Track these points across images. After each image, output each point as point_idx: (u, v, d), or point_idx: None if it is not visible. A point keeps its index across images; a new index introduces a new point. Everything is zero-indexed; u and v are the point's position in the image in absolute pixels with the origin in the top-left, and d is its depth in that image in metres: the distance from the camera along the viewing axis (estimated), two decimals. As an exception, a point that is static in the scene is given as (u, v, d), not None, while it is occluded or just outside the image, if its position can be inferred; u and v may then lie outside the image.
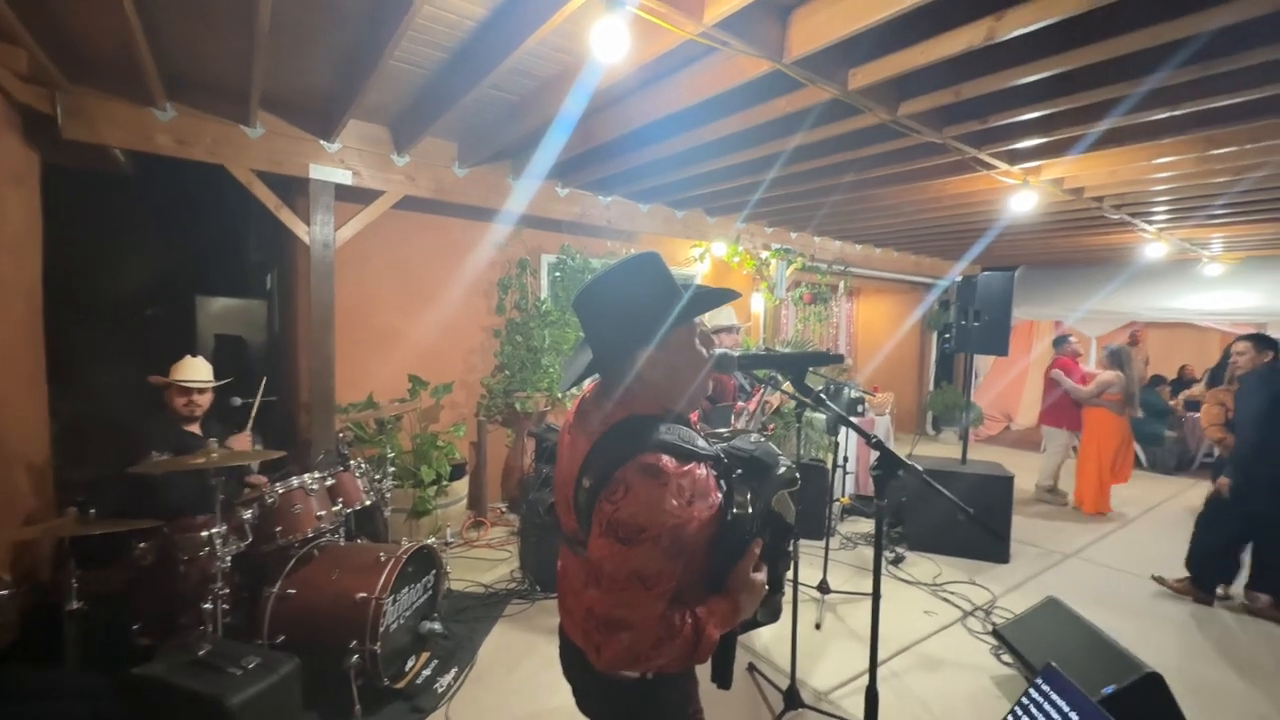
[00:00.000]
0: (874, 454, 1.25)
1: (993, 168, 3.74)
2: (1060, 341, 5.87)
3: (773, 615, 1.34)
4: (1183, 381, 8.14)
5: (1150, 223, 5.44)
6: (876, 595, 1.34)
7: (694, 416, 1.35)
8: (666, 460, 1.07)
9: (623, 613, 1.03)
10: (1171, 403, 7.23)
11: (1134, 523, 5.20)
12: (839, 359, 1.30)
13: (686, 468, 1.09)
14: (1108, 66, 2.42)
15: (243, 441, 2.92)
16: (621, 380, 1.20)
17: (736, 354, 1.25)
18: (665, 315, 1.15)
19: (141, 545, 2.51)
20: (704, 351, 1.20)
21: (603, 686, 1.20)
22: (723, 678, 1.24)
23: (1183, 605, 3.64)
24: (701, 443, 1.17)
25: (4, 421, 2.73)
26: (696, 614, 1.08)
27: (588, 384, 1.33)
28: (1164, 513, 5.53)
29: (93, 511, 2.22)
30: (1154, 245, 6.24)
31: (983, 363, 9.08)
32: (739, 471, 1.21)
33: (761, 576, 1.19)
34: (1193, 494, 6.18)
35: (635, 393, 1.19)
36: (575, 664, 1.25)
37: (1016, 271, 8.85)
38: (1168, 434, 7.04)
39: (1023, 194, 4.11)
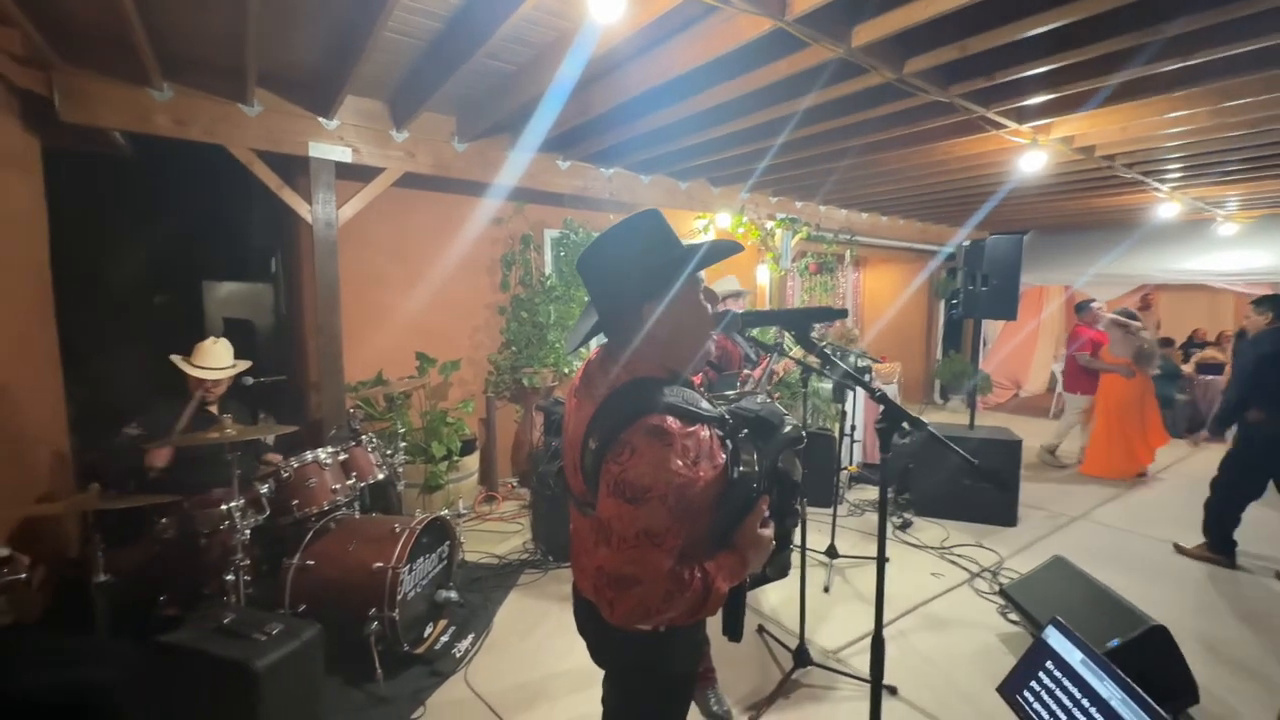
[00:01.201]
0: (879, 409, 1.26)
1: (1001, 127, 3.67)
2: (1083, 307, 5.82)
3: (781, 571, 1.36)
4: (1195, 344, 8.06)
5: (1163, 181, 5.33)
6: (882, 549, 1.36)
7: (697, 380, 1.36)
8: (671, 421, 1.08)
9: (632, 569, 1.06)
10: (1183, 366, 7.17)
11: (1144, 485, 5.21)
12: (843, 314, 1.30)
13: (691, 429, 1.11)
14: (1118, 15, 2.35)
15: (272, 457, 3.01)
16: (627, 340, 1.21)
17: (738, 313, 1.26)
18: (668, 270, 1.15)
19: (163, 520, 2.57)
20: (708, 307, 1.21)
21: (615, 639, 1.23)
22: (733, 630, 1.27)
23: (1195, 565, 3.66)
24: (705, 405, 1.18)
25: (21, 402, 2.78)
26: (705, 568, 1.10)
27: (593, 350, 1.34)
28: (1175, 475, 5.53)
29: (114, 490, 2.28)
30: (1167, 205, 6.12)
31: (991, 330, 9.01)
32: (745, 431, 1.22)
33: (769, 532, 1.21)
34: (1204, 456, 6.17)
35: (640, 354, 1.19)
36: (589, 619, 1.28)
37: (1026, 236, 8.73)
38: (1179, 397, 6.99)
39: (1031, 154, 4.03)
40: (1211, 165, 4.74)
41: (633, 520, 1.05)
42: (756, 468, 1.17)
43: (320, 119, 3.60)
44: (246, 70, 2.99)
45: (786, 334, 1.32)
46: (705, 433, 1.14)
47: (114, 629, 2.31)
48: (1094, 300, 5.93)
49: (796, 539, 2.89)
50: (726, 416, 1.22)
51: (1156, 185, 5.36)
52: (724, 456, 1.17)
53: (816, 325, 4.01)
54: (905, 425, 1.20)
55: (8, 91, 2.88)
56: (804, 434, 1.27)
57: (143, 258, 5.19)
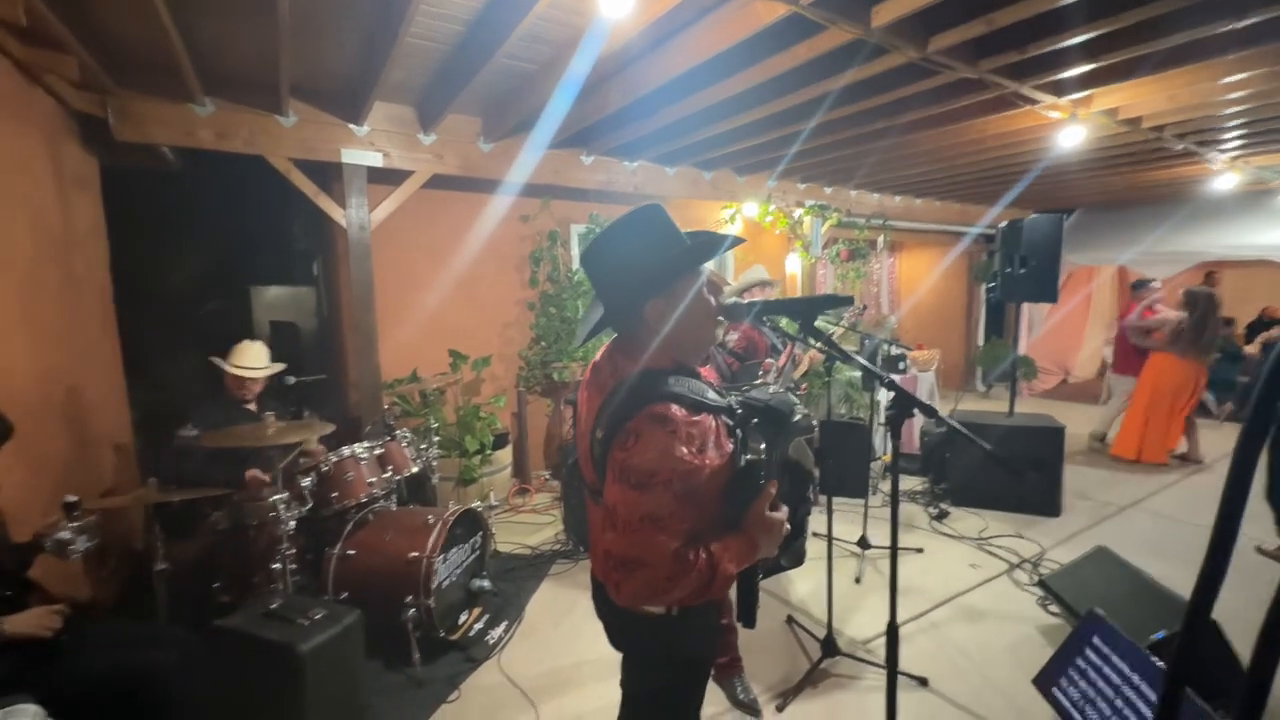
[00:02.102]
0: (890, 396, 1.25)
1: (1036, 102, 3.51)
2: (1139, 285, 5.55)
3: (796, 559, 1.37)
4: (1262, 323, 7.56)
5: (1221, 151, 5.00)
6: (894, 537, 1.35)
7: (711, 375, 1.37)
8: (675, 409, 1.10)
9: (637, 552, 1.08)
10: (1247, 347, 6.75)
11: (1201, 473, 4.95)
12: (849, 301, 1.29)
13: (696, 418, 1.12)
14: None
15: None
16: (633, 334, 1.23)
17: (745, 302, 1.26)
18: (670, 263, 1.17)
19: (215, 513, 2.74)
20: (711, 299, 1.22)
21: (629, 621, 1.27)
22: (747, 616, 1.28)
23: (1247, 553, 3.47)
24: (712, 395, 1.20)
25: (90, 404, 2.99)
26: (710, 549, 1.12)
27: (603, 348, 1.37)
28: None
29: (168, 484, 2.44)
30: (1225, 176, 5.75)
31: (1038, 314, 8.65)
32: (754, 421, 1.23)
33: (780, 515, 1.21)
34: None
35: (645, 345, 1.22)
36: (605, 602, 1.32)
37: (1071, 215, 8.33)
38: (1240, 379, 6.59)
39: (1071, 129, 3.85)
40: (1275, 131, 4.43)
41: (637, 505, 1.08)
42: (764, 456, 1.18)
43: (351, 126, 3.73)
44: (281, 83, 3.13)
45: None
46: (711, 421, 1.15)
47: (173, 614, 2.48)
48: (1153, 280, 5.61)
49: (821, 528, 2.88)
50: (735, 406, 1.23)
51: (1213, 155, 5.04)
52: (731, 445, 1.18)
53: (845, 312, 3.96)
54: (914, 412, 1.19)
55: (68, 116, 3.09)
56: (815, 424, 1.27)
57: (193, 266, 5.49)
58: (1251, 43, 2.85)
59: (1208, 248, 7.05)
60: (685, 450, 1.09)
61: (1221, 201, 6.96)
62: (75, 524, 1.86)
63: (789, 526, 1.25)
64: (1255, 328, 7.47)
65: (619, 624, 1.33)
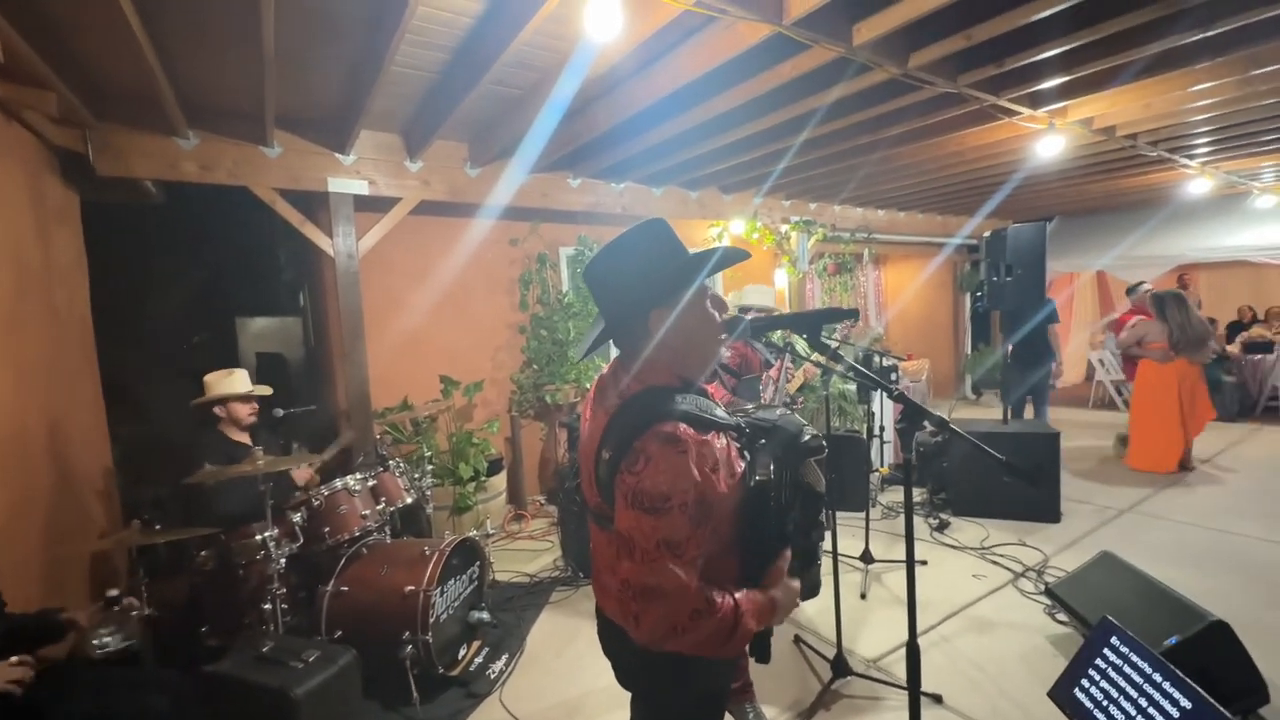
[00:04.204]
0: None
1: (1015, 114, 3.59)
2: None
3: (812, 590, 1.30)
4: (1241, 323, 7.72)
5: (1192, 157, 5.15)
6: (911, 553, 1.32)
7: (719, 393, 1.34)
8: (685, 429, 1.07)
9: (656, 580, 1.04)
10: (1228, 346, 6.87)
11: (1194, 473, 4.97)
12: (853, 314, 1.28)
13: (706, 436, 1.09)
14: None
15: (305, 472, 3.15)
16: (637, 350, 1.20)
17: (747, 317, 1.25)
18: (675, 278, 1.15)
19: (202, 553, 2.64)
20: (715, 315, 1.20)
21: (642, 661, 1.21)
22: (761, 653, 1.24)
23: (1251, 553, 3.47)
24: (720, 412, 1.17)
25: (70, 442, 2.90)
26: (737, 598, 1.09)
27: (606, 366, 1.34)
28: (1227, 460, 5.27)
29: (157, 526, 2.35)
30: (1198, 181, 5.91)
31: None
32: (762, 441, 1.20)
33: (796, 584, 1.21)
34: (1258, 439, 5.88)
35: (651, 363, 1.19)
36: (614, 640, 1.26)
37: (1052, 223, 8.50)
38: (1225, 379, 6.68)
39: (1049, 138, 3.94)
40: (1243, 137, 4.57)
41: (653, 531, 1.04)
42: (773, 477, 1.15)
43: (337, 154, 3.71)
44: (266, 114, 3.11)
45: (795, 336, 1.30)
46: (721, 441, 1.12)
47: (160, 660, 2.38)
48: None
49: (826, 545, 2.84)
50: (744, 425, 1.21)
51: (1185, 161, 5.17)
52: (742, 465, 1.15)
53: (836, 325, 3.97)
54: (927, 424, 1.17)
55: (48, 151, 3.04)
56: (825, 444, 1.24)
57: (177, 299, 5.41)
58: (1220, 51, 2.95)
59: (1184, 251, 7.21)
60: (697, 471, 1.05)
61: (1196, 205, 7.14)
62: (114, 625, 1.80)
63: (804, 557, 1.21)
64: (1235, 328, 7.62)
65: (632, 663, 1.27)
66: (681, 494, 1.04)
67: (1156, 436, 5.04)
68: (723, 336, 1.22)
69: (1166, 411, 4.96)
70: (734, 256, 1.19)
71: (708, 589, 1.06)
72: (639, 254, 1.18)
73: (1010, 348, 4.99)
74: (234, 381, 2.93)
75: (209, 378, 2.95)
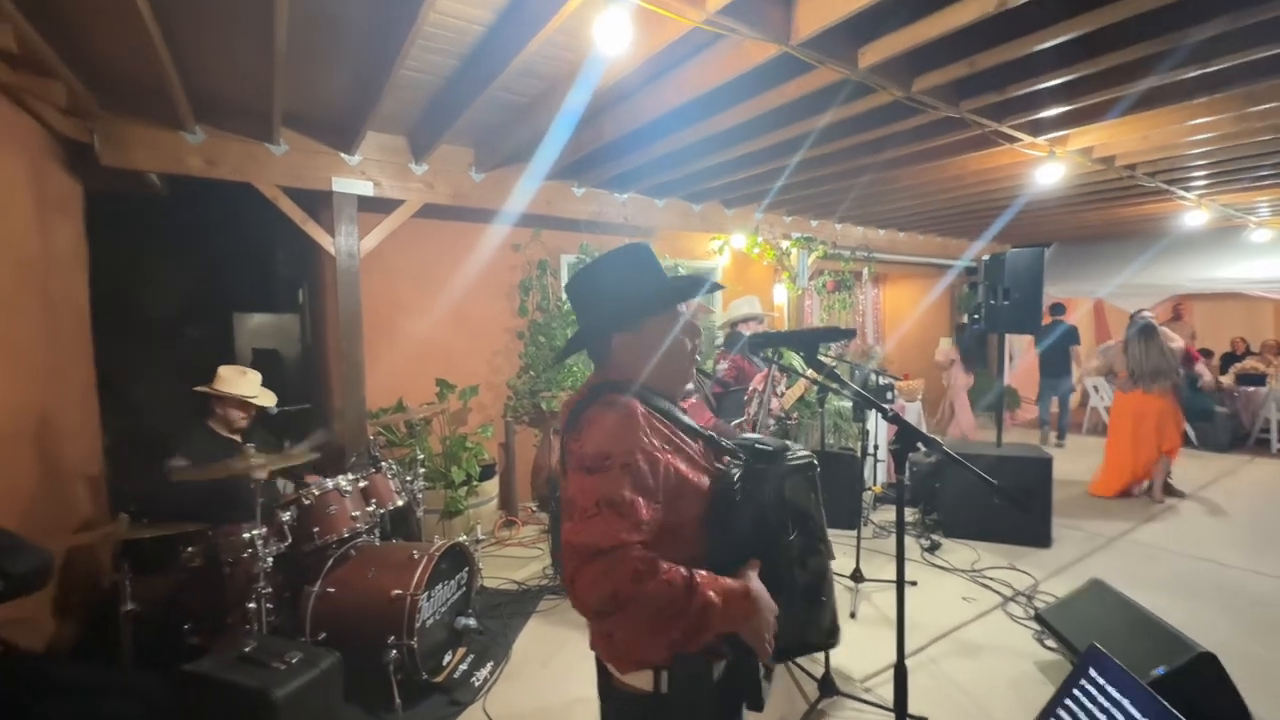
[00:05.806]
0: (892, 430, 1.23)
1: (1015, 140, 3.63)
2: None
3: (828, 635, 1.22)
4: (1235, 354, 7.77)
5: (1189, 189, 5.21)
6: (901, 574, 1.32)
7: (703, 414, 1.35)
8: (632, 400, 1.09)
9: (593, 539, 0.99)
10: (1221, 377, 6.91)
11: (1186, 502, 4.99)
12: (851, 334, 1.29)
13: (655, 417, 1.11)
14: (1130, 25, 2.33)
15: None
16: (602, 362, 1.24)
17: (746, 334, 1.25)
18: (641, 301, 1.17)
19: (189, 549, 2.61)
20: (687, 342, 1.21)
21: (618, 702, 1.19)
22: (754, 699, 1.19)
23: (1240, 585, 3.48)
24: (683, 417, 1.18)
25: (60, 433, 2.88)
26: (691, 569, 1.03)
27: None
28: (1218, 491, 5.29)
29: (144, 520, 2.33)
30: (1194, 213, 5.97)
31: (1017, 344, 8.81)
32: (743, 458, 1.20)
33: (771, 610, 1.10)
34: (1250, 471, 5.90)
35: (612, 365, 1.23)
36: (599, 676, 1.25)
37: (1049, 249, 8.56)
38: (1218, 409, 6.72)
39: (1049, 166, 3.98)
40: (1240, 171, 4.63)
41: (593, 489, 1.02)
42: (736, 470, 1.15)
43: (343, 154, 3.73)
44: (273, 111, 3.12)
45: (785, 351, 1.30)
46: (677, 433, 1.14)
47: (140, 658, 2.35)
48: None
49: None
50: (712, 434, 1.21)
51: (1182, 193, 5.23)
52: (705, 465, 1.16)
53: (833, 344, 3.99)
54: (920, 445, 1.17)
55: (53, 140, 3.04)
56: (814, 461, 1.22)
57: (176, 292, 5.39)
58: (1217, 87, 2.99)
59: (1181, 281, 7.27)
60: (643, 438, 1.05)
61: (1192, 237, 7.21)
62: None
63: (805, 591, 1.16)
64: (1229, 359, 7.67)
65: (611, 702, 1.23)
66: (623, 454, 1.03)
67: (1109, 461, 5.13)
68: (694, 361, 1.24)
69: (1119, 437, 5.04)
70: (707, 287, 1.21)
71: (650, 550, 1.00)
72: (613, 278, 1.21)
73: (1039, 357, 4.95)
74: (242, 383, 2.92)
75: (224, 369, 2.93)
